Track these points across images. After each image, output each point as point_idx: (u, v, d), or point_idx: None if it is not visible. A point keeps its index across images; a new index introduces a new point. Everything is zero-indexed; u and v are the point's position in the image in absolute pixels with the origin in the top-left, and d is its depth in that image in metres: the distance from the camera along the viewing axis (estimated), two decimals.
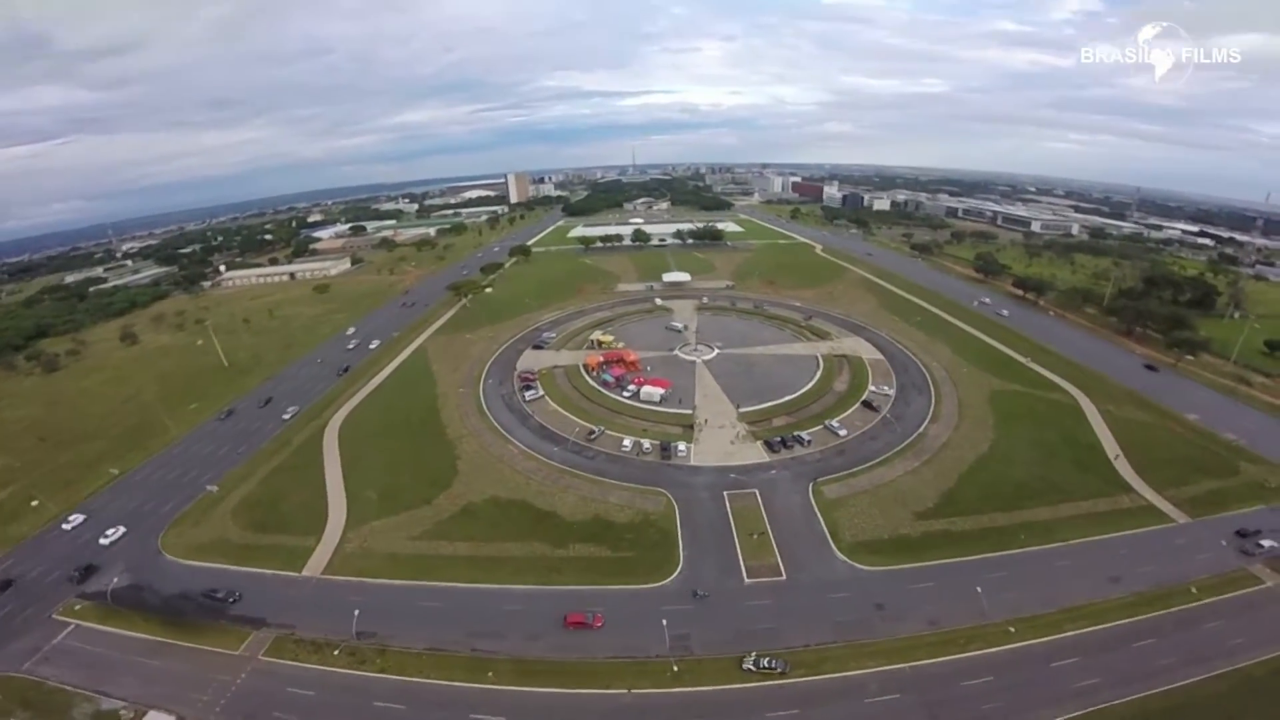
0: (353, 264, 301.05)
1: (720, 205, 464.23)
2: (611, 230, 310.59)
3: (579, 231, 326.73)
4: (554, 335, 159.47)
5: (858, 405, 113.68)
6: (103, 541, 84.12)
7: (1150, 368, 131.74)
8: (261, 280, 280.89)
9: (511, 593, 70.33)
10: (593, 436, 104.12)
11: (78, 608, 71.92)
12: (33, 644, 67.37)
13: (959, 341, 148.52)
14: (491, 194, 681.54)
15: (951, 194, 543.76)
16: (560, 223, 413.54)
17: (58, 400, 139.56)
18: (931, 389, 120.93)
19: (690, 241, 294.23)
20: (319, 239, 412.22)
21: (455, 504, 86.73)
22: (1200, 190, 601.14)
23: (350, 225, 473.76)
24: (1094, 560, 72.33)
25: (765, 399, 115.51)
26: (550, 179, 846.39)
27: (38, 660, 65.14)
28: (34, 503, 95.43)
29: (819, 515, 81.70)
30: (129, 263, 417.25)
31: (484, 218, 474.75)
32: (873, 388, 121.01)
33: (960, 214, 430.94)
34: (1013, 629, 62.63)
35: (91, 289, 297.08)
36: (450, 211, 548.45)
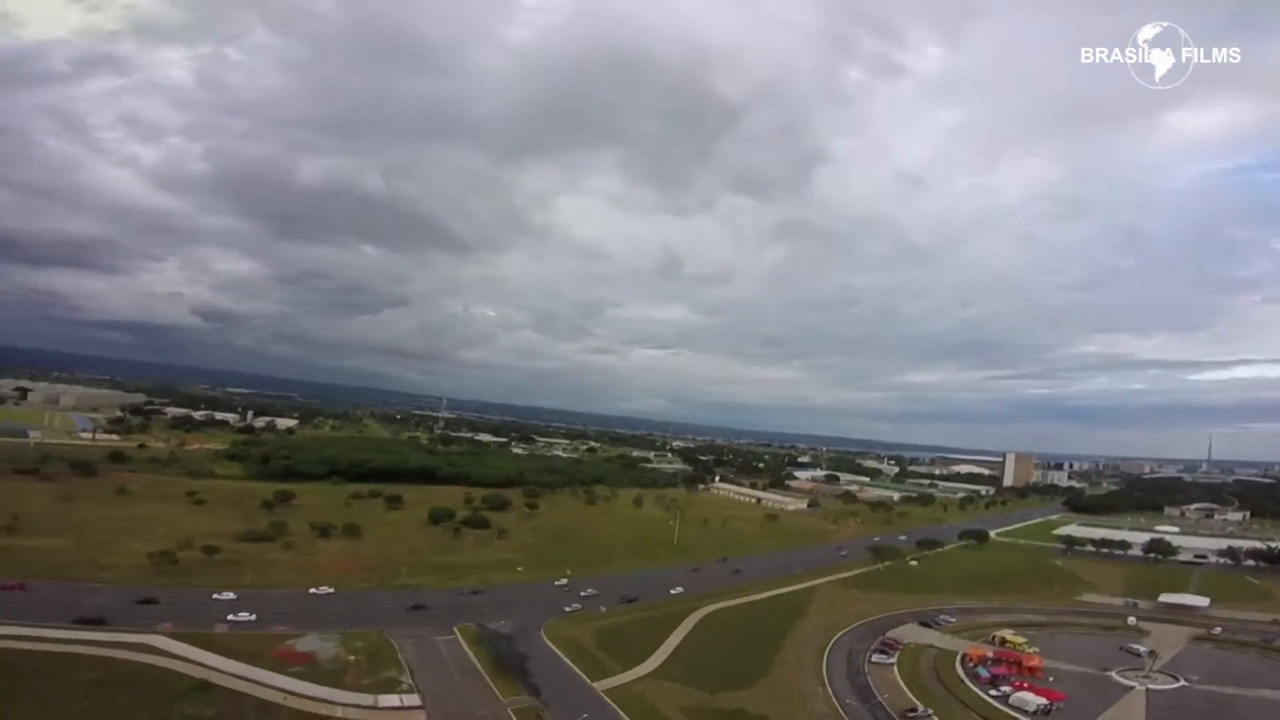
0: (808, 506, 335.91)
1: None
2: (1116, 535, 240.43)
3: (1068, 530, 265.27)
4: (952, 620, 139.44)
5: None
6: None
7: None
8: (736, 496, 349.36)
9: None
10: (912, 714, 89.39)
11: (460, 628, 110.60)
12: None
13: None
14: (984, 472, 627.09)
15: None
16: (1054, 517, 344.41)
17: (581, 523, 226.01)
18: None
19: (1249, 563, 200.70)
20: (796, 478, 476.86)
21: (730, 704, 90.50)
22: None
23: (827, 474, 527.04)
24: None
25: None
26: (1070, 466, 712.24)
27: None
28: (519, 569, 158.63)
29: None
30: (669, 454, 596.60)
31: (960, 494, 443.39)
32: None
33: None
34: None
35: (640, 464, 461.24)
36: (928, 482, 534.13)
